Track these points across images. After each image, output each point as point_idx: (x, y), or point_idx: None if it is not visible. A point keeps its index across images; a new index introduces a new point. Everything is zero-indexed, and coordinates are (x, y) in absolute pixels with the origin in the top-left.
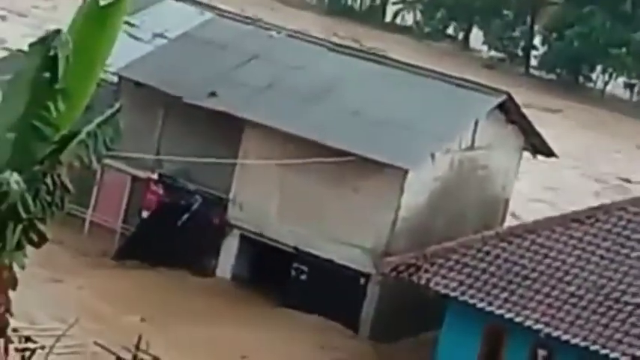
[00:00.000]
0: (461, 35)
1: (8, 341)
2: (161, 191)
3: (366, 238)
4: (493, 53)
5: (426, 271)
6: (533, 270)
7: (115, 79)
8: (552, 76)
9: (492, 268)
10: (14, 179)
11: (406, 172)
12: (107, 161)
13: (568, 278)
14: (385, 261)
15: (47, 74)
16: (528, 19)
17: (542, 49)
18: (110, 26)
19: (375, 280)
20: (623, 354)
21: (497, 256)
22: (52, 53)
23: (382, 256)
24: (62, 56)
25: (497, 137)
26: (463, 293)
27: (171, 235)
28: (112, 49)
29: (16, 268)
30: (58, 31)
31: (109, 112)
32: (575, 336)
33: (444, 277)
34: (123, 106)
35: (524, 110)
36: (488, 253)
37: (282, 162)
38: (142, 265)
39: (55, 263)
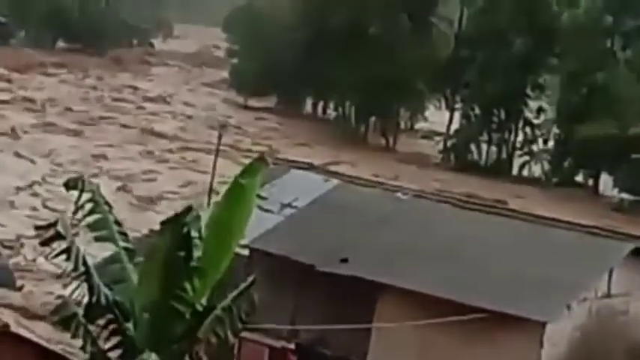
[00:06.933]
0: (590, 182)
1: None
2: None
3: None
4: (624, 196)
5: None
6: None
7: (246, 252)
8: None
9: None
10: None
11: (544, 324)
12: (244, 334)
13: None
14: None
15: (182, 253)
16: None
17: None
18: (248, 202)
19: None
20: None
21: None
22: (185, 231)
23: None
24: (195, 233)
25: (635, 283)
26: None
27: None
28: (247, 223)
29: None
30: (189, 209)
31: (242, 285)
32: None
33: None
34: (256, 279)
35: None
36: None
37: (415, 323)
38: None
39: None
